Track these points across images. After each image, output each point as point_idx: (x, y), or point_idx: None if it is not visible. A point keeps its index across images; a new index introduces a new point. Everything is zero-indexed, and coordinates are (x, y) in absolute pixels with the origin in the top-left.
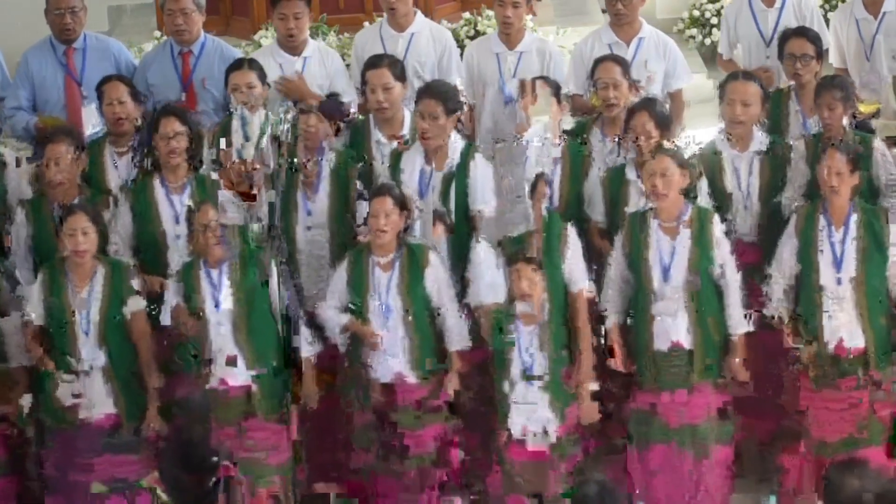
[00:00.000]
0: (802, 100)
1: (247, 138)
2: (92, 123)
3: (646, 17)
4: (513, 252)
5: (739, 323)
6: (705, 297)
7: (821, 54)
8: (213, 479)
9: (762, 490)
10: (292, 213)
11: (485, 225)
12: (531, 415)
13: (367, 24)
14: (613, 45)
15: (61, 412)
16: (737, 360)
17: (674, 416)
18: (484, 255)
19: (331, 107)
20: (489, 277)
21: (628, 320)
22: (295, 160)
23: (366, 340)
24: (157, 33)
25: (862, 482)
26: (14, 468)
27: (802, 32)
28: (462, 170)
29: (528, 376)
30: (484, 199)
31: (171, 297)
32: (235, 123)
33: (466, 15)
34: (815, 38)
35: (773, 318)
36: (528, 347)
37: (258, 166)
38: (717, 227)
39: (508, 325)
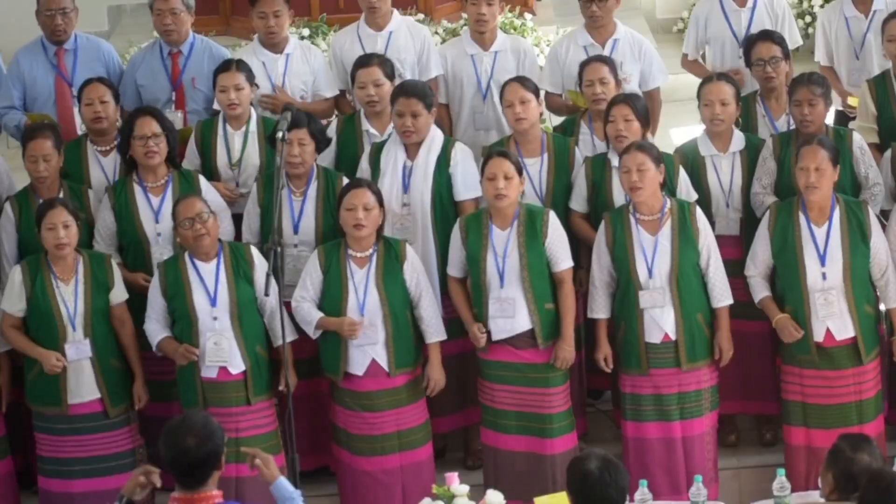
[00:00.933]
0: (772, 103)
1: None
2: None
3: (646, 17)
4: (489, 150)
5: (722, 295)
6: (692, 291)
7: (788, 55)
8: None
9: (770, 461)
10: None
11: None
12: (507, 312)
13: None
14: (588, 46)
15: (54, 398)
16: (723, 334)
17: (664, 387)
18: (463, 155)
19: (318, 128)
20: (467, 174)
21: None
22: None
23: (343, 330)
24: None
25: (871, 458)
26: (14, 449)
27: (768, 35)
28: (443, 161)
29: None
30: (468, 189)
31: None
32: (219, 133)
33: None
34: (780, 40)
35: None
36: (502, 250)
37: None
38: (700, 218)
39: (483, 226)
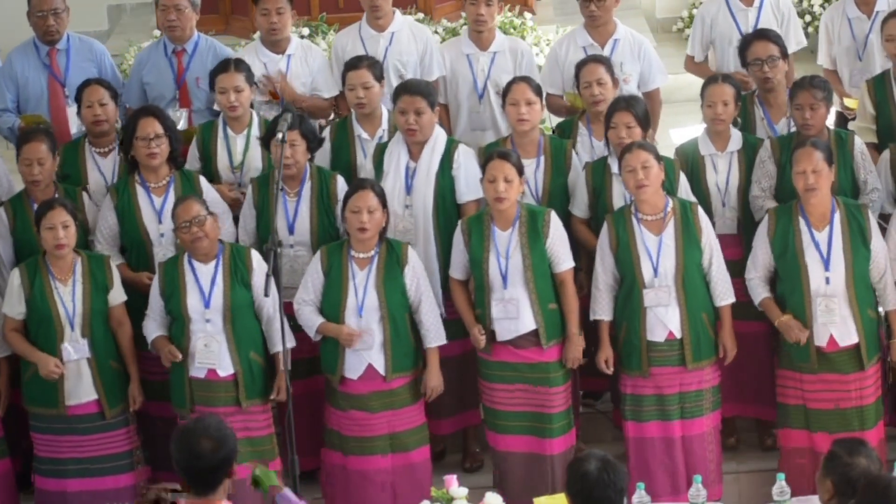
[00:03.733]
0: (770, 104)
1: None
2: (77, 124)
3: (646, 17)
4: (489, 151)
5: (725, 293)
6: (697, 290)
7: (786, 54)
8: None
9: (770, 466)
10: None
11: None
12: (511, 313)
13: None
14: (588, 47)
15: (51, 399)
16: (726, 332)
17: (666, 387)
18: (465, 156)
19: (308, 129)
20: (470, 175)
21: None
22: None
23: (341, 339)
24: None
25: (869, 462)
26: (12, 450)
27: (764, 35)
28: (446, 163)
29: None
30: (470, 190)
31: (151, 312)
32: (219, 136)
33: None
34: (777, 39)
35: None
36: (504, 251)
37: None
38: (702, 217)
39: (485, 227)
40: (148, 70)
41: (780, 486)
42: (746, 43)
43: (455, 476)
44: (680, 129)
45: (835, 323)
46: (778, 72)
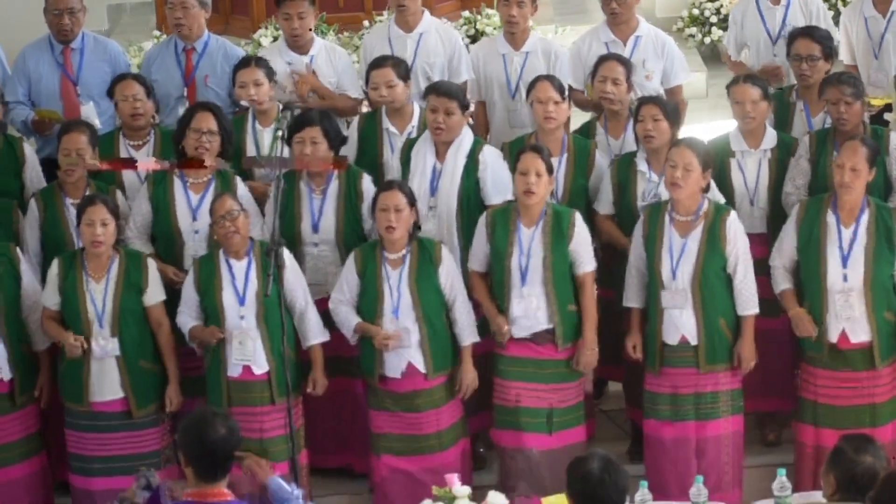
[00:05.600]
0: (808, 99)
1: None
2: (91, 122)
3: (645, 16)
4: (520, 145)
5: (748, 303)
6: (715, 296)
7: (829, 55)
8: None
9: (772, 461)
10: (298, 225)
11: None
12: (529, 311)
13: (366, 23)
14: (611, 43)
15: (77, 394)
16: (745, 343)
17: (682, 387)
18: (492, 158)
19: (331, 126)
20: (497, 177)
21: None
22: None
23: (377, 341)
24: (157, 32)
25: (875, 459)
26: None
27: (809, 32)
28: (471, 165)
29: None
30: (498, 192)
31: (185, 308)
32: (248, 130)
33: (466, 14)
34: (822, 38)
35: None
36: (527, 248)
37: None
38: (733, 225)
39: (510, 222)
40: (156, 67)
41: (781, 481)
42: (793, 37)
43: (456, 475)
44: (685, 126)
45: (851, 318)
46: (816, 71)
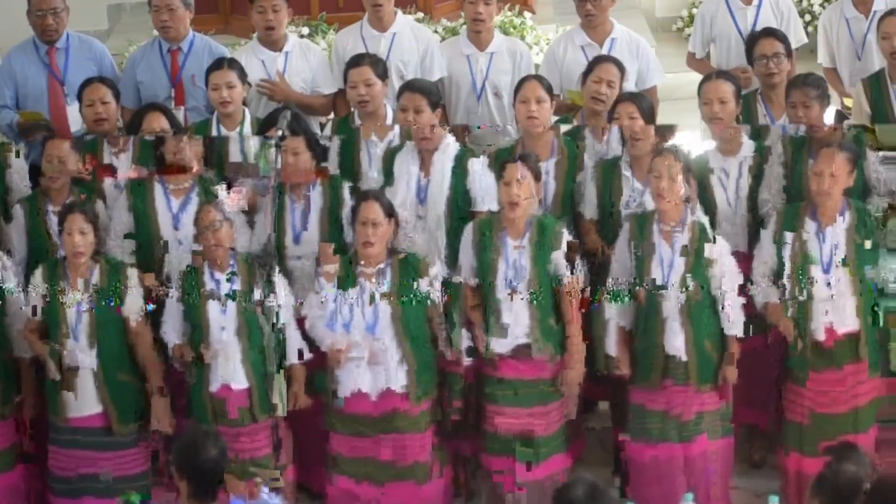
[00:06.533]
0: (771, 101)
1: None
2: (79, 122)
3: (645, 16)
4: (505, 155)
5: (734, 325)
6: (702, 314)
7: (790, 52)
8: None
9: (762, 484)
10: (282, 238)
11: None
12: (513, 324)
13: None
14: (586, 46)
15: (56, 407)
16: (729, 363)
17: (671, 406)
18: (479, 165)
19: (314, 139)
20: (485, 184)
21: None
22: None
23: (329, 354)
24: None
25: (858, 469)
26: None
27: (771, 32)
28: (460, 172)
29: (511, 288)
30: (486, 201)
31: (170, 319)
32: (214, 129)
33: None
34: (783, 37)
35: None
36: (514, 260)
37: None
38: (716, 247)
39: (495, 235)
40: (142, 69)
41: None
42: (753, 40)
43: None
44: (680, 129)
45: (838, 307)
46: (782, 69)
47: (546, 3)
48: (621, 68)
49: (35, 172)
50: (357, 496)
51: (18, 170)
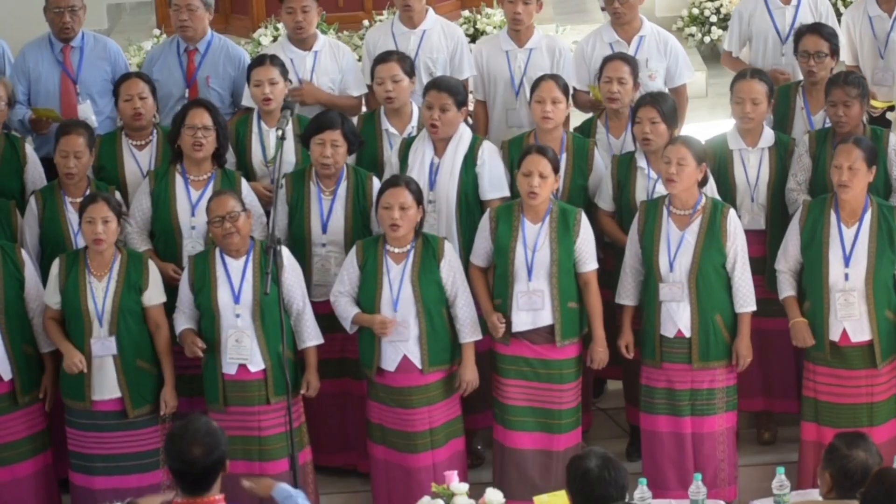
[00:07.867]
0: (811, 97)
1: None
2: (92, 120)
3: (645, 15)
4: (518, 146)
5: (746, 301)
6: (712, 291)
7: (835, 52)
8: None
9: (770, 459)
10: (307, 226)
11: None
12: (535, 304)
13: (366, 22)
14: (614, 43)
15: (78, 392)
16: (742, 340)
17: (677, 382)
18: (489, 154)
19: (351, 129)
20: (494, 173)
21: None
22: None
23: (375, 328)
24: (157, 31)
25: (867, 456)
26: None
27: (817, 29)
28: (470, 160)
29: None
30: (494, 188)
31: (181, 304)
32: (254, 131)
33: (465, 13)
34: (829, 36)
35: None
36: (532, 243)
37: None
38: (732, 221)
39: (514, 218)
40: (158, 67)
41: (780, 479)
42: (800, 34)
43: (455, 472)
44: (686, 125)
45: (852, 317)
46: (823, 68)
47: (546, 3)
48: (631, 63)
49: (46, 165)
50: (395, 464)
51: (35, 165)
